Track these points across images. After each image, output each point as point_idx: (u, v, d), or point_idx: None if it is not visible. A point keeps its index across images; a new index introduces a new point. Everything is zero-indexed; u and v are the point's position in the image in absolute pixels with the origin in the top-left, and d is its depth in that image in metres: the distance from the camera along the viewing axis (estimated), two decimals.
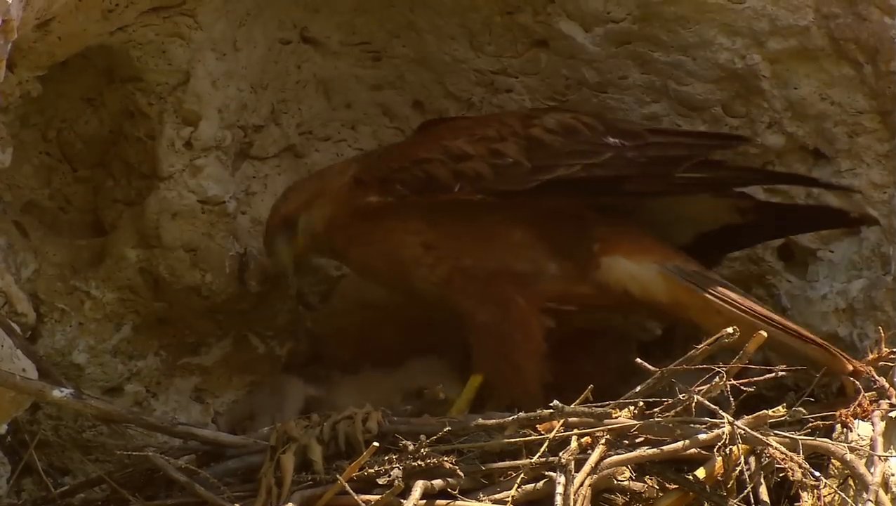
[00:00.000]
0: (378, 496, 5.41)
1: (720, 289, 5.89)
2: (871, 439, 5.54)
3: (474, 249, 5.98)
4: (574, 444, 5.44)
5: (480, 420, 5.57)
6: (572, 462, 5.39)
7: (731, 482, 5.47)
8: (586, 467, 5.40)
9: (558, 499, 5.35)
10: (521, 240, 5.97)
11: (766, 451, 5.41)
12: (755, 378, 5.47)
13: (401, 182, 5.96)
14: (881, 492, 5.40)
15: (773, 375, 5.51)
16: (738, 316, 5.77)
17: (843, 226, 6.23)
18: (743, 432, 5.38)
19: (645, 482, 5.51)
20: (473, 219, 5.98)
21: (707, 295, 5.87)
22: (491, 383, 5.98)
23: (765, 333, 5.56)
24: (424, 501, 5.42)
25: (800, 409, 5.59)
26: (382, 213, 6.02)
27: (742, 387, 5.42)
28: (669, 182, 5.98)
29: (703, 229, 6.20)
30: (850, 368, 5.69)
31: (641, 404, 5.49)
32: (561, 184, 5.90)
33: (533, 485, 5.45)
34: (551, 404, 5.44)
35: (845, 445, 5.50)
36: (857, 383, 5.69)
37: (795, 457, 5.37)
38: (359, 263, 6.22)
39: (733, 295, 5.88)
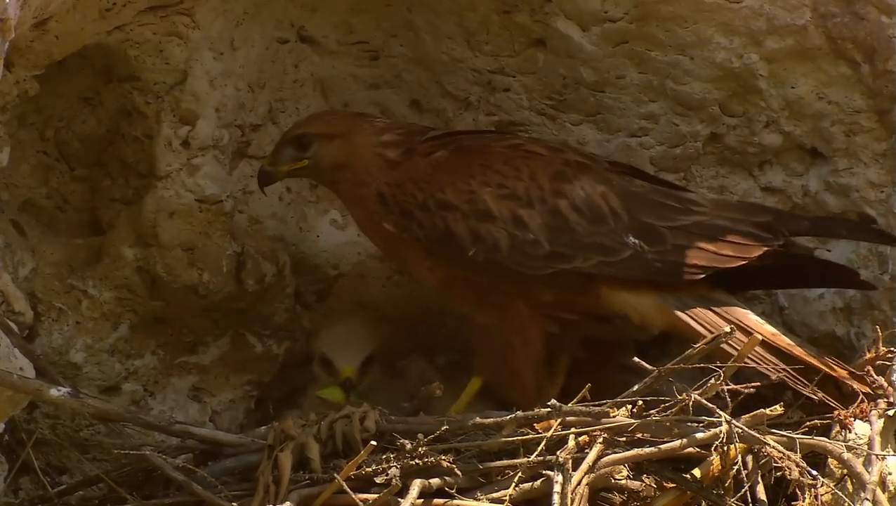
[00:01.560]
0: (376, 495, 5.41)
1: (714, 318, 5.85)
2: (869, 438, 5.54)
3: (473, 265, 5.97)
4: (571, 443, 5.44)
5: (478, 419, 5.57)
6: (570, 461, 5.38)
7: (729, 481, 5.47)
8: (584, 466, 5.41)
9: (556, 498, 5.35)
10: None
11: (763, 450, 5.41)
12: (754, 384, 5.47)
13: (419, 225, 5.95)
14: (878, 491, 5.40)
15: (771, 379, 5.53)
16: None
17: (852, 286, 6.15)
18: (740, 430, 5.38)
19: (642, 481, 5.51)
20: None
21: (703, 329, 5.83)
22: (490, 386, 5.98)
23: (760, 337, 5.56)
24: (422, 500, 5.42)
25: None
26: None
27: (740, 389, 5.41)
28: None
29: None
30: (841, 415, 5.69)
31: (640, 402, 5.48)
32: (573, 271, 5.91)
33: (530, 484, 5.45)
34: (549, 403, 5.44)
35: (843, 444, 5.49)
36: (854, 385, 5.70)
37: (793, 456, 5.37)
38: (355, 218, 6.23)
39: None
